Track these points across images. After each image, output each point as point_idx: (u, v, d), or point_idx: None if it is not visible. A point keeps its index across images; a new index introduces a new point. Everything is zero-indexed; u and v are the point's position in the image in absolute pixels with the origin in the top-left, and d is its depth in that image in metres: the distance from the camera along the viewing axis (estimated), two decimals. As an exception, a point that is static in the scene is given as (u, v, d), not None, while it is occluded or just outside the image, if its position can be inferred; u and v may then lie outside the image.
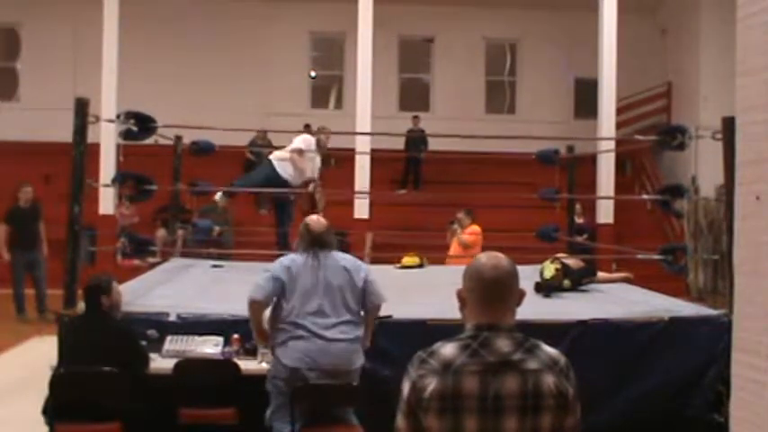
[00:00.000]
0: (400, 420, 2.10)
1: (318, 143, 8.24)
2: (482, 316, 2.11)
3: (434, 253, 9.84)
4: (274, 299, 4.47)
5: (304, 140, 8.15)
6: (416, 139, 15.37)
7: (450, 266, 9.04)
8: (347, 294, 4.49)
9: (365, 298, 4.56)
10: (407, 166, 16.10)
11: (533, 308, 5.54)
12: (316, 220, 4.71)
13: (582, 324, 5.35)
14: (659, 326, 5.48)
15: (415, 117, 15.95)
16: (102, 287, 4.71)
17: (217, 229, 9.78)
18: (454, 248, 9.78)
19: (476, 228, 9.76)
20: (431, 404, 2.02)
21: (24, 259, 10.33)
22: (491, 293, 2.13)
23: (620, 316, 5.61)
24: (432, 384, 2.02)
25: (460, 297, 2.19)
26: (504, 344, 2.07)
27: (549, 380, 2.05)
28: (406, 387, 2.08)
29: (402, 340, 4.93)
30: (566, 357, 2.14)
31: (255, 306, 4.47)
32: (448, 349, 2.07)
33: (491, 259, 2.19)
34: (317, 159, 8.34)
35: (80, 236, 5.59)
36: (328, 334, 4.40)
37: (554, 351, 2.13)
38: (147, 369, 4.70)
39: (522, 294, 2.20)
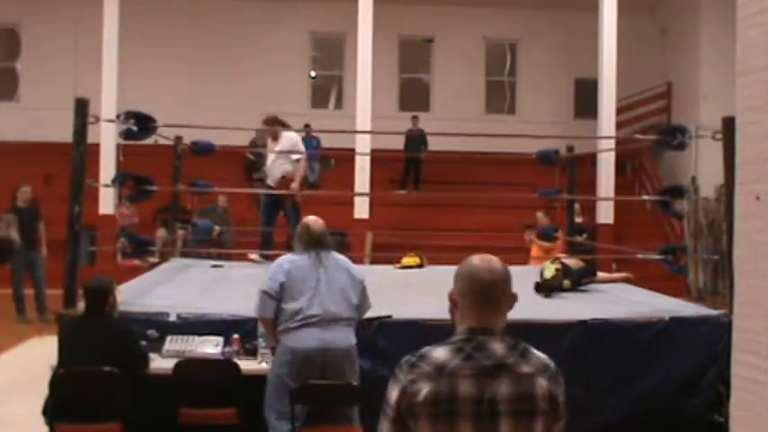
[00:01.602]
0: (386, 427, 2.01)
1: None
2: (475, 319, 2.05)
3: (434, 253, 9.82)
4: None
5: None
6: (416, 139, 15.36)
7: (450, 267, 9.02)
8: (349, 294, 4.54)
9: (359, 303, 4.62)
10: (407, 166, 16.08)
11: (533, 308, 5.54)
12: (314, 220, 4.73)
13: (582, 324, 5.35)
14: (659, 326, 5.47)
15: (414, 117, 15.93)
16: (106, 290, 4.71)
17: (217, 229, 9.78)
18: (536, 251, 9.63)
19: None
20: (423, 409, 1.95)
21: (23, 259, 10.32)
22: (485, 297, 2.06)
23: (621, 316, 5.61)
24: (425, 389, 1.95)
25: (452, 299, 2.12)
26: (498, 347, 2.02)
27: (542, 383, 2.02)
28: (394, 392, 1.99)
29: (401, 340, 4.92)
30: (554, 363, 2.09)
31: (263, 321, 4.63)
32: (439, 353, 2.00)
33: (484, 262, 2.11)
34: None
35: (80, 236, 5.59)
36: (332, 329, 4.44)
37: (544, 356, 2.08)
38: (147, 369, 4.70)
39: (514, 298, 2.13)
